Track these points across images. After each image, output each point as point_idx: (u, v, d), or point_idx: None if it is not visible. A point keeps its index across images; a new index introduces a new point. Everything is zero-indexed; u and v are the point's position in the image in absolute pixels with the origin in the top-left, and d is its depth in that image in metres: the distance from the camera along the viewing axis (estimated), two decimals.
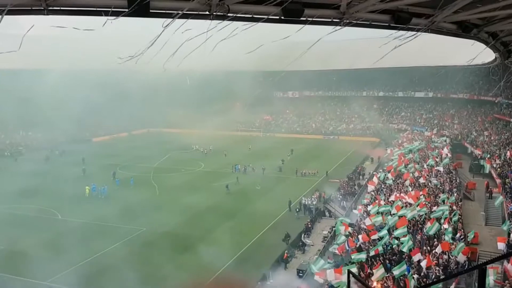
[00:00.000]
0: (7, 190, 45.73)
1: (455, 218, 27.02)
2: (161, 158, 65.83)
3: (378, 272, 20.30)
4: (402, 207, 29.40)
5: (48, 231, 35.00)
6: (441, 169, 40.49)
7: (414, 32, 10.25)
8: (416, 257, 21.75)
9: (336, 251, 26.42)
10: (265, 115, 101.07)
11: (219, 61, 65.10)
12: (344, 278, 20.29)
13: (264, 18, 8.28)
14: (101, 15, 7.81)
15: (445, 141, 57.90)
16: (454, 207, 29.14)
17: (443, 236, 24.30)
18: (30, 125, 75.01)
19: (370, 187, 39.18)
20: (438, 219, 26.68)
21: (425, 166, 42.52)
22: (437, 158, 45.50)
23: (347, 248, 25.56)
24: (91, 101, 76.52)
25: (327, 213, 39.45)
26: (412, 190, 33.81)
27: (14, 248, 31.54)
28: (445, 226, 25.38)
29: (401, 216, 27.65)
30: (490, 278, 17.52)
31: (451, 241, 23.19)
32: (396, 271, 20.29)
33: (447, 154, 47.46)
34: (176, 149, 73.22)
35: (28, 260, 29.59)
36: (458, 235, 24.58)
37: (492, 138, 55.10)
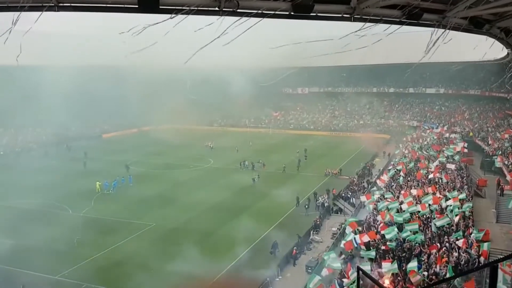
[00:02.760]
0: (18, 186, 46.32)
1: (466, 213, 26.89)
2: (170, 154, 66.07)
3: (391, 266, 20.22)
4: (413, 203, 29.26)
5: (59, 226, 35.37)
6: (433, 166, 40.35)
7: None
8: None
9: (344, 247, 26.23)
10: (274, 112, 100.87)
11: (228, 58, 65.09)
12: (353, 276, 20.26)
13: (274, 13, 8.24)
14: (111, 11, 7.84)
15: (457, 138, 57.37)
16: (466, 204, 28.90)
17: (453, 233, 24.15)
18: (39, 121, 75.67)
19: (380, 184, 38.99)
20: (448, 214, 26.59)
21: (436, 163, 42.13)
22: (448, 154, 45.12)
23: (355, 245, 25.44)
24: (101, 97, 77.12)
25: (336, 209, 39.37)
26: (423, 186, 33.67)
27: (25, 243, 31.92)
28: (456, 219, 25.28)
29: (413, 213, 27.59)
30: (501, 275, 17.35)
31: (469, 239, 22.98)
32: (409, 266, 20.33)
33: (462, 150, 47.24)
34: (185, 145, 73.54)
35: (39, 254, 29.98)
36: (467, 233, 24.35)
37: (504, 136, 54.39)
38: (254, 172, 52.52)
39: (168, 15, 7.78)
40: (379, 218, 28.35)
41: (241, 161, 57.26)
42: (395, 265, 20.40)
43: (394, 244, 23.88)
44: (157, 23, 8.11)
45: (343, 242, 26.80)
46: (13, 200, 41.49)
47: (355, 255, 25.05)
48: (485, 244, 22.09)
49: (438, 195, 30.81)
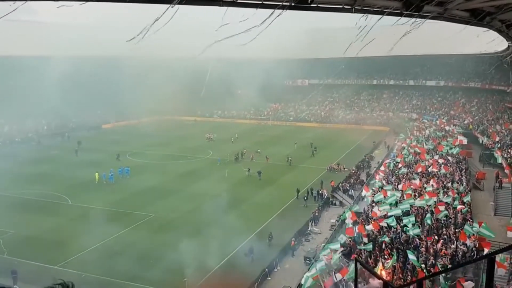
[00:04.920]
0: (16, 175, 46.38)
1: (464, 208, 26.99)
2: (170, 145, 66.06)
3: (391, 262, 20.33)
4: (412, 196, 29.37)
5: (58, 216, 35.45)
6: (432, 158, 40.44)
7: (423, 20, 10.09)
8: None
9: (345, 237, 26.22)
10: (274, 103, 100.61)
11: (229, 49, 64.83)
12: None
13: (274, 4, 8.19)
14: (110, 1, 7.81)
15: (456, 130, 57.44)
16: (465, 198, 29.02)
17: (452, 226, 24.28)
18: (39, 111, 75.64)
19: (378, 176, 39.04)
20: (446, 207, 26.70)
21: (435, 156, 42.19)
22: (448, 147, 45.23)
23: (355, 234, 25.52)
24: (101, 88, 77.03)
25: (337, 202, 39.42)
26: (421, 179, 33.78)
27: (25, 233, 32.04)
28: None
29: (411, 205, 27.73)
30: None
31: (469, 232, 23.06)
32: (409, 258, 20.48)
33: (461, 142, 47.31)
34: (185, 137, 73.59)
35: (38, 244, 30.10)
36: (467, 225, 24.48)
37: (503, 128, 54.44)
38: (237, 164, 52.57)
39: (167, 5, 7.74)
40: (376, 210, 28.40)
41: (239, 152, 57.27)
42: (394, 258, 20.53)
43: (390, 237, 23.94)
44: (161, 16, 8.06)
45: (342, 236, 26.81)
46: (12, 190, 41.55)
47: (352, 247, 25.14)
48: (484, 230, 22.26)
49: (436, 187, 30.92)
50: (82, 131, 76.31)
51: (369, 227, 25.76)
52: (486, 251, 20.94)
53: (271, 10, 8.27)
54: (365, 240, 24.37)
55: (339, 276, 20.76)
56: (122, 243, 30.61)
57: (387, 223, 25.62)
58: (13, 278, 25.01)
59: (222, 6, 7.81)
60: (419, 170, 36.99)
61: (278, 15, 8.69)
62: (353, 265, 20.23)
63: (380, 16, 9.36)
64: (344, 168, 50.38)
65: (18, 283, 24.67)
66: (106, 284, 25.21)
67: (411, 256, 20.56)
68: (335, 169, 50.75)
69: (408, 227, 24.55)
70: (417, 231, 23.69)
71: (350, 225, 26.67)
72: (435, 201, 28.09)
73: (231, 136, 70.56)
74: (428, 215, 25.82)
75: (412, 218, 25.25)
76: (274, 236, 30.60)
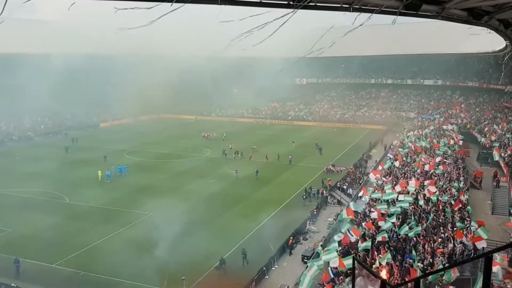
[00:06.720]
0: (13, 174, 46.28)
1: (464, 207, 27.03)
2: (168, 144, 66.03)
3: (385, 257, 20.33)
4: (410, 194, 29.42)
5: (56, 215, 35.38)
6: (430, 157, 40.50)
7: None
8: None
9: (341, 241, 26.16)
10: (272, 102, 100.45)
11: (227, 48, 64.57)
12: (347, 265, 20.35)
13: (272, 3, 8.18)
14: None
15: (453, 129, 57.55)
16: (462, 196, 29.06)
17: (449, 224, 24.32)
18: (37, 110, 75.56)
19: (376, 175, 39.04)
20: (445, 207, 26.74)
21: (433, 155, 42.24)
22: (445, 146, 45.32)
23: (350, 238, 25.47)
24: (100, 86, 76.83)
25: (334, 201, 39.46)
26: (419, 178, 33.81)
27: (22, 231, 31.99)
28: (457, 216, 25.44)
29: (410, 203, 27.77)
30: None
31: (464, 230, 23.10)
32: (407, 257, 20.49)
33: (457, 142, 47.41)
34: (183, 135, 73.52)
35: (36, 242, 30.06)
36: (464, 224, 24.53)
37: (501, 127, 54.51)
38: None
39: (167, 3, 7.71)
40: (374, 209, 28.38)
41: (228, 150, 57.53)
42: (389, 255, 20.52)
43: (388, 235, 23.94)
44: (162, 16, 8.04)
45: (339, 235, 26.70)
46: (9, 188, 41.49)
47: (351, 247, 25.10)
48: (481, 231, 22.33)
49: (434, 186, 30.94)
50: (80, 130, 76.31)
51: (361, 229, 25.66)
52: (478, 244, 21.04)
53: (270, 10, 8.27)
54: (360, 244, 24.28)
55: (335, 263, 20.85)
56: (119, 242, 30.60)
57: (384, 222, 25.63)
58: (16, 267, 25.74)
59: (220, 4, 7.79)
60: (417, 169, 37.03)
61: (291, 17, 8.69)
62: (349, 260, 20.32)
63: (371, 14, 9.31)
64: (341, 170, 49.77)
65: (16, 282, 24.68)
66: (104, 282, 25.19)
67: (409, 255, 20.58)
68: (332, 170, 50.22)
69: (406, 225, 24.57)
70: (414, 232, 23.70)
71: (345, 228, 26.50)
72: (433, 200, 28.16)
73: (228, 135, 70.38)
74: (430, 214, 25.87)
75: (411, 217, 25.30)
76: (273, 235, 30.53)
